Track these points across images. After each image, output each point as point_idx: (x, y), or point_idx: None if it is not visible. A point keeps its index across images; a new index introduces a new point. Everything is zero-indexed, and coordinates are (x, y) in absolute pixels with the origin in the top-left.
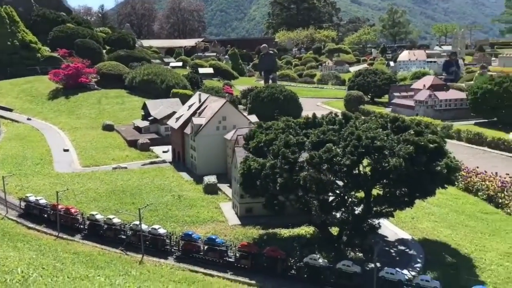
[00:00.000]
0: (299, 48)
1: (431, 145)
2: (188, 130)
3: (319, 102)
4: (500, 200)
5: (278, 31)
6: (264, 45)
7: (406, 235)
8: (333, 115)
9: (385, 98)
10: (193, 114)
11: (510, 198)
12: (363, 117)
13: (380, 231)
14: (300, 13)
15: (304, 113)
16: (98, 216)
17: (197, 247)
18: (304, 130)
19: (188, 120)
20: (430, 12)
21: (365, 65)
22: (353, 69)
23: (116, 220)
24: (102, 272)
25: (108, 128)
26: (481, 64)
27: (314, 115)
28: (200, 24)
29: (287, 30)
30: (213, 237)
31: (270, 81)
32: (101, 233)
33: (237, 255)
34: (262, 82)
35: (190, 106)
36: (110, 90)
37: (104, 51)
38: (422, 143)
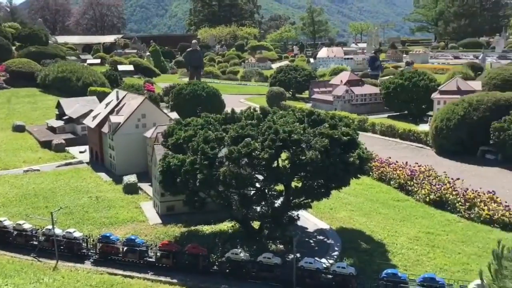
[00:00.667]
0: (222, 45)
1: (344, 138)
2: (105, 129)
3: (242, 99)
4: (410, 188)
5: (200, 28)
6: (194, 41)
7: (324, 225)
8: (251, 110)
9: (306, 94)
10: (111, 112)
11: (419, 185)
12: (280, 112)
13: (300, 223)
14: (222, 10)
15: (227, 110)
16: (7, 223)
17: (116, 249)
18: (224, 125)
19: (106, 119)
20: (346, 11)
21: (286, 62)
22: (275, 65)
23: (26, 226)
24: (11, 281)
25: (19, 129)
26: (406, 60)
27: (233, 110)
28: (120, 20)
29: (210, 27)
30: (133, 237)
31: (196, 78)
32: (11, 240)
33: (158, 254)
34: (185, 79)
35: (107, 104)
36: (20, 88)
37: (14, 47)
38: (336, 135)
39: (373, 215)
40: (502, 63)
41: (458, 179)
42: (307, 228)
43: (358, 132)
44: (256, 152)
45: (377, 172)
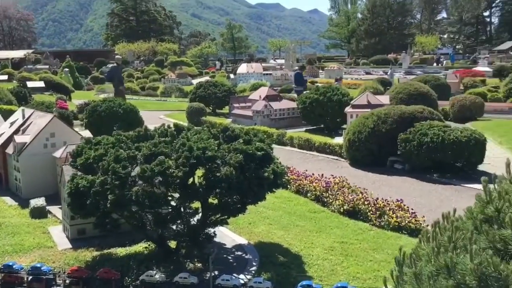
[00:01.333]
0: (141, 61)
1: (258, 153)
2: (10, 149)
3: (162, 115)
4: (326, 199)
5: (118, 43)
6: (118, 56)
7: (243, 241)
8: (165, 127)
9: (226, 109)
10: (16, 131)
11: (334, 197)
12: (195, 128)
13: (218, 239)
14: (140, 25)
15: (145, 126)
16: None
17: (20, 278)
18: (136, 143)
19: (10, 139)
20: (265, 28)
21: (207, 78)
22: (196, 81)
23: None
24: None
25: None
26: (334, 77)
27: (145, 128)
28: (30, 34)
29: (128, 42)
30: (38, 265)
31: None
32: None
33: (67, 281)
34: (102, 95)
35: (12, 123)
36: None
37: None
38: (251, 151)
39: (291, 228)
40: (408, 78)
41: (366, 189)
42: (225, 244)
43: (272, 146)
44: (170, 170)
45: (294, 185)
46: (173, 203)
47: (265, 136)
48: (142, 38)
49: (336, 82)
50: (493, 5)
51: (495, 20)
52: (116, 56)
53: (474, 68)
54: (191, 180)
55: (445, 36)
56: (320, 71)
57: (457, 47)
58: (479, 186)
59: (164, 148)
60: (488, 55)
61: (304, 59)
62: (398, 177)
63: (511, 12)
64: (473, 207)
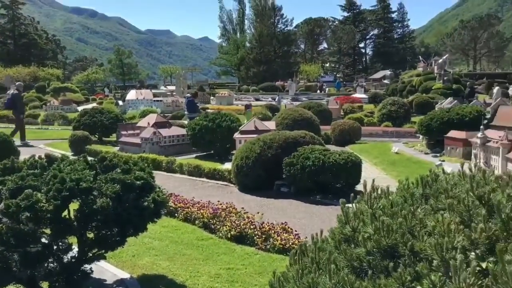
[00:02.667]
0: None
1: (138, 182)
2: None
3: (42, 144)
4: (213, 226)
5: None
6: (19, 82)
7: (125, 275)
8: (35, 158)
9: (113, 137)
10: None
11: (221, 223)
12: (70, 159)
13: (99, 275)
14: (18, 49)
15: (24, 157)
16: None
17: None
18: (1, 177)
19: None
20: (156, 54)
21: (94, 104)
22: (82, 108)
23: None
24: None
25: None
26: (244, 104)
27: (12, 159)
28: None
29: (5, 66)
30: None
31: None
32: None
33: None
34: None
35: None
36: None
37: None
38: (129, 180)
39: (177, 258)
40: (295, 104)
41: (258, 212)
42: (105, 280)
43: (153, 175)
44: (40, 204)
45: (182, 213)
46: (44, 239)
47: (146, 164)
48: (22, 63)
49: (247, 110)
50: (367, 37)
51: (369, 51)
52: (18, 83)
53: (352, 95)
54: (65, 214)
55: (327, 65)
56: (212, 97)
57: (337, 75)
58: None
59: (33, 181)
60: (364, 83)
61: (196, 85)
62: (284, 199)
63: (383, 44)
64: (334, 228)
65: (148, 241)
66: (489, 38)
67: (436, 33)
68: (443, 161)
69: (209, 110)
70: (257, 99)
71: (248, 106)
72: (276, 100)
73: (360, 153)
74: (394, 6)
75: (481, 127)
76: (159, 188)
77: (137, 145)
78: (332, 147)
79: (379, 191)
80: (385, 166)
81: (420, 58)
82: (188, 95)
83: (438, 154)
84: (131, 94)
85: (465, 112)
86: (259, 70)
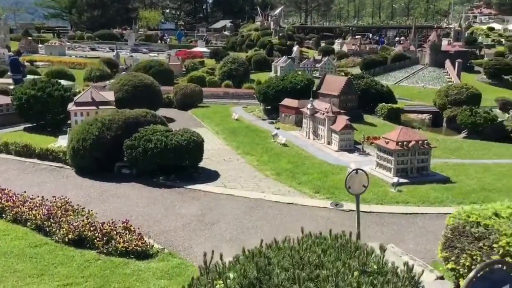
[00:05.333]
0: None
1: None
2: None
3: None
4: (48, 229)
5: None
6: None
7: None
8: None
9: None
10: None
11: (57, 225)
12: None
13: None
14: None
15: None
16: None
17: None
18: None
19: None
20: None
21: None
22: None
23: None
24: None
25: None
26: (121, 66)
27: None
28: None
29: None
30: None
31: None
32: None
33: None
34: None
35: None
36: None
37: None
38: None
39: (7, 277)
40: (135, 57)
41: (93, 212)
42: None
43: None
44: None
45: (11, 214)
46: None
47: None
48: None
49: (123, 72)
50: None
51: None
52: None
53: (194, 49)
54: None
55: (168, 11)
56: (40, 45)
57: (179, 23)
58: (199, 187)
59: None
60: (206, 34)
61: (20, 28)
62: (127, 184)
63: None
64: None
65: None
66: None
67: None
68: (278, 128)
69: (38, 63)
70: (93, 49)
71: (124, 69)
72: (115, 54)
73: (203, 119)
74: None
75: (311, 99)
76: None
77: None
78: (174, 112)
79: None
80: (226, 135)
81: (259, 10)
82: (11, 53)
83: (274, 121)
84: None
85: (297, 80)
86: (93, 15)
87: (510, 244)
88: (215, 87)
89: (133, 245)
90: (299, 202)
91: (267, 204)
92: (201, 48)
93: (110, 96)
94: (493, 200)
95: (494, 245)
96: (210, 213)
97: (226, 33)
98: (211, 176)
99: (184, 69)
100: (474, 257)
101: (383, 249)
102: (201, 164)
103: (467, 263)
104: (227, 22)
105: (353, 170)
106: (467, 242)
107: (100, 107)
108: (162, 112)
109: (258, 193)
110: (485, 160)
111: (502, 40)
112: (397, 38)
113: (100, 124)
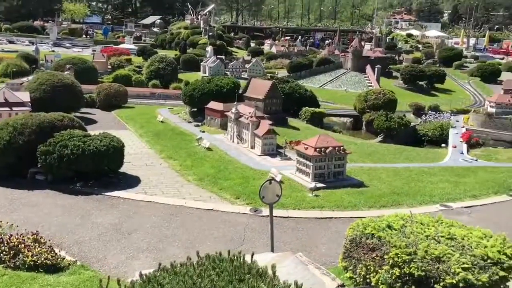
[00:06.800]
0: None
1: None
2: None
3: None
4: None
5: None
6: None
7: None
8: None
9: None
10: None
11: None
12: None
13: None
14: None
15: None
16: None
17: None
18: None
19: None
20: None
21: None
22: None
23: None
24: None
25: None
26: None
27: None
28: None
29: None
30: None
31: None
32: None
33: None
34: None
35: None
36: None
37: None
38: None
39: None
40: (57, 52)
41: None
42: None
43: None
44: None
45: None
46: None
47: None
48: None
49: (67, 72)
50: None
51: None
52: None
53: (121, 46)
54: None
55: (94, 3)
56: None
57: (106, 17)
58: (118, 194)
59: None
60: (134, 29)
61: None
62: (40, 191)
63: None
64: None
65: None
66: None
67: None
68: (203, 131)
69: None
70: (11, 42)
71: (69, 68)
72: (34, 48)
73: (127, 121)
74: None
75: (235, 103)
76: None
77: None
78: (97, 113)
79: None
80: (150, 138)
81: (189, 7)
82: None
83: (199, 124)
84: None
85: (223, 83)
86: (12, 5)
87: (398, 255)
88: (141, 87)
89: (43, 258)
90: (219, 208)
91: (187, 211)
92: (128, 45)
93: (25, 96)
94: (400, 204)
95: (385, 256)
96: (128, 221)
97: (156, 29)
98: (132, 182)
99: (109, 67)
100: (368, 267)
101: (273, 270)
102: (122, 169)
103: (363, 273)
104: (156, 19)
105: (267, 180)
106: (363, 252)
107: (14, 108)
108: (84, 112)
109: (179, 200)
110: (397, 164)
111: (420, 46)
112: (327, 42)
113: (11, 128)
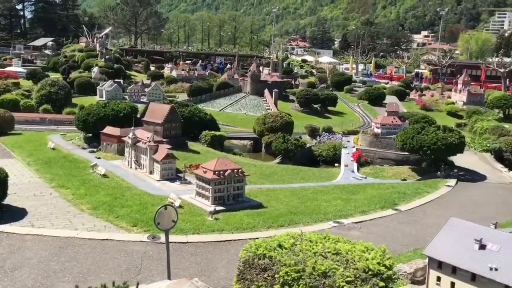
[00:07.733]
0: None
1: None
2: None
3: None
4: None
5: None
6: None
7: None
8: None
9: None
10: None
11: None
12: None
13: None
14: None
15: None
16: None
17: None
18: None
19: None
20: None
21: None
22: None
23: None
24: None
25: None
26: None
27: None
28: None
29: None
30: None
31: None
32: None
33: None
34: None
35: None
36: None
37: None
38: None
39: None
40: None
41: None
42: None
43: None
44: None
45: None
46: None
47: None
48: None
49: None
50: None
51: (29, 14)
52: None
53: (8, 69)
54: None
55: None
56: None
57: None
58: (0, 228)
59: None
60: (23, 51)
61: None
62: None
63: (43, 8)
64: None
65: None
66: (148, 16)
67: (99, 4)
68: (99, 158)
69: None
70: None
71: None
72: None
73: (13, 149)
74: None
75: (132, 128)
76: None
77: None
78: None
79: None
80: (39, 166)
81: (85, 29)
82: None
83: (95, 150)
84: None
85: (120, 108)
86: None
87: (288, 273)
88: (31, 112)
89: None
90: (114, 237)
91: (79, 242)
92: (16, 68)
93: None
94: (297, 223)
95: (276, 275)
96: (11, 257)
97: (47, 52)
98: (17, 214)
99: None
100: (261, 287)
101: None
102: (6, 201)
103: None
104: (48, 40)
105: (162, 206)
106: (256, 273)
107: None
108: None
109: (70, 231)
110: (294, 184)
111: (314, 71)
112: (228, 65)
113: None
